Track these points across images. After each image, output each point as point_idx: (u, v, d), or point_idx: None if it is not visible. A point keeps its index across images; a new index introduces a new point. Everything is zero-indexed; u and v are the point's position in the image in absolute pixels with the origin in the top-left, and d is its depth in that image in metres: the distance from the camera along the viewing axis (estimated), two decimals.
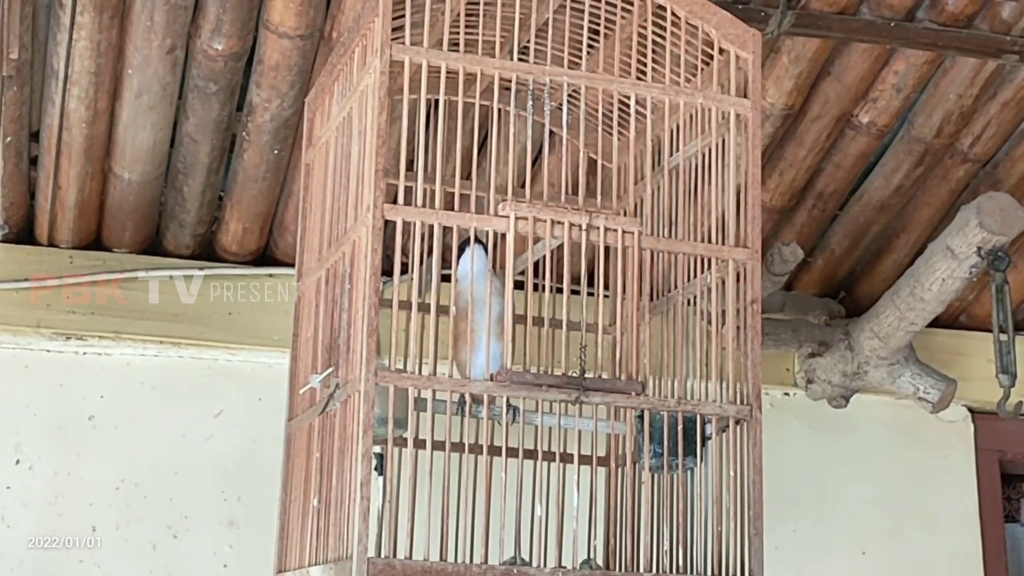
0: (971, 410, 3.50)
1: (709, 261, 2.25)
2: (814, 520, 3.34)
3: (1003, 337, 2.93)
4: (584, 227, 2.14)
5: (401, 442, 2.15)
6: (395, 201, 2.08)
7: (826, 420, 3.40)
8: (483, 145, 2.86)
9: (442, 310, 2.31)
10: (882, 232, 3.28)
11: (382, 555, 2.01)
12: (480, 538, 2.04)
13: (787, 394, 3.40)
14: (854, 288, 3.41)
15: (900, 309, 3.03)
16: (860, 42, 2.79)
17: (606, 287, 2.25)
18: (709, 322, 2.23)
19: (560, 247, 2.16)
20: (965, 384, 3.30)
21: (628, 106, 2.43)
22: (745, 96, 2.28)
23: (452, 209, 2.14)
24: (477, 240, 2.30)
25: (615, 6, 2.34)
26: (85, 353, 3.05)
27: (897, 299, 3.03)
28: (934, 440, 3.48)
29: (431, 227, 2.11)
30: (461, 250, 2.28)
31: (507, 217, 2.11)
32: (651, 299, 2.29)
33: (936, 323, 3.24)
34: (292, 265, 2.65)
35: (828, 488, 3.38)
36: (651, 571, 2.20)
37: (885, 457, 3.44)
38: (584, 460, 2.27)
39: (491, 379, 2.08)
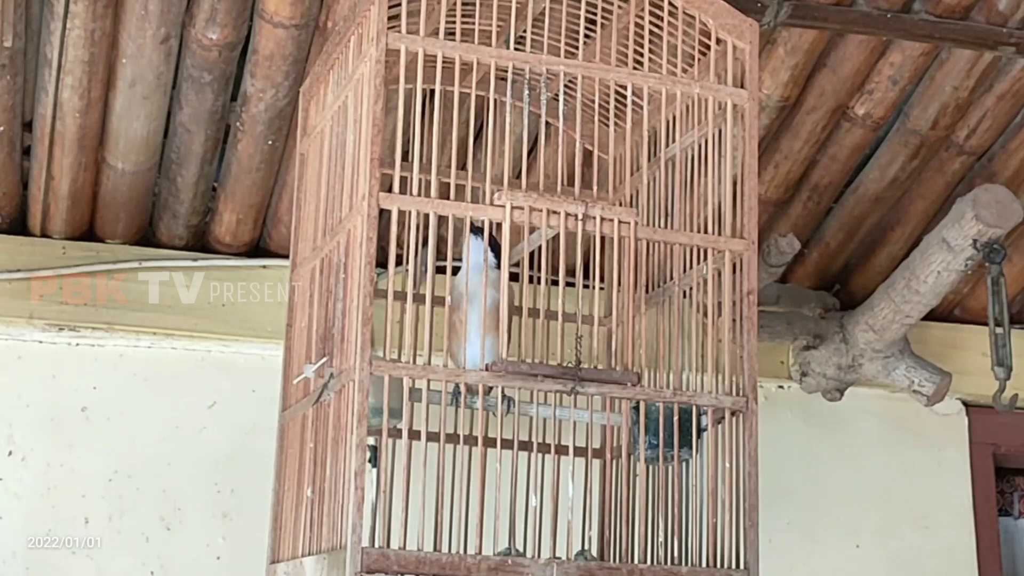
0: (965, 403, 3.50)
1: (705, 252, 2.24)
2: (808, 513, 3.34)
3: (998, 330, 2.94)
4: (580, 217, 2.13)
5: (395, 432, 2.14)
6: (390, 190, 2.07)
7: (820, 413, 3.39)
8: (479, 135, 2.85)
9: (437, 301, 2.30)
10: (877, 224, 3.27)
11: (376, 545, 2.00)
12: (474, 529, 2.04)
13: (781, 387, 3.39)
14: (849, 281, 3.41)
15: (895, 302, 3.03)
16: (856, 33, 2.79)
17: (602, 278, 2.24)
18: (705, 313, 2.23)
19: (556, 237, 2.15)
20: (960, 377, 3.29)
21: (624, 96, 2.42)
22: (742, 86, 2.27)
23: (447, 199, 2.13)
24: (476, 230, 2.29)
25: None
26: (78, 344, 3.04)
27: (892, 292, 3.03)
28: (928, 433, 3.47)
29: (426, 216, 2.10)
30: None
31: (503, 207, 2.10)
32: (647, 290, 2.29)
33: (931, 316, 3.23)
34: (286, 256, 2.64)
35: (822, 481, 3.37)
36: (646, 563, 2.19)
37: (879, 450, 3.44)
38: (579, 451, 2.26)
39: (486, 369, 2.08)
